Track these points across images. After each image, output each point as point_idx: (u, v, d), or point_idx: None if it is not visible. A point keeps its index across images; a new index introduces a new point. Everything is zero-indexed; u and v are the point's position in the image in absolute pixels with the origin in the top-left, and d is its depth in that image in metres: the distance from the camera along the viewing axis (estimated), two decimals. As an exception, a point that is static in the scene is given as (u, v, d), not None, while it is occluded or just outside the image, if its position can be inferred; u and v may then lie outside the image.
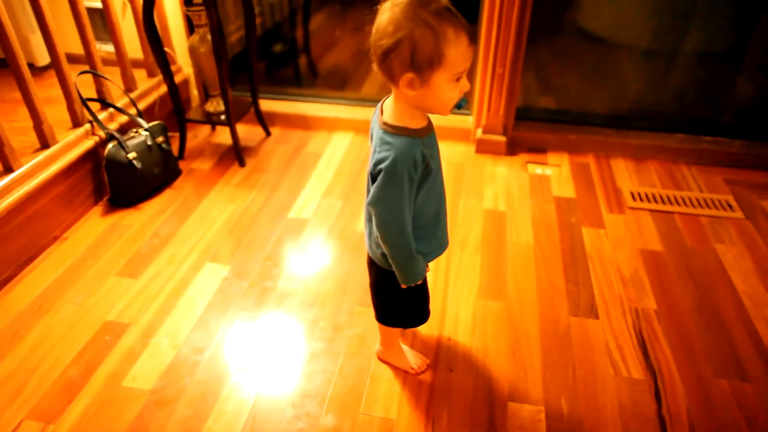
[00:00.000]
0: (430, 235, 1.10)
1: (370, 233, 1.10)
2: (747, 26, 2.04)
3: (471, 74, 2.18)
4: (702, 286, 1.57)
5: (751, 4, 2.00)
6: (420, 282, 1.10)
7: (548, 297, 1.53)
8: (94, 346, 1.39)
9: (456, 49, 0.87)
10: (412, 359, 1.32)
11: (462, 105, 0.96)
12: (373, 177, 0.98)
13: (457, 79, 0.91)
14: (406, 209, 0.99)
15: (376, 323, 1.41)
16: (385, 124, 0.97)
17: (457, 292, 1.54)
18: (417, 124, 0.97)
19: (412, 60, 0.87)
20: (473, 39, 0.89)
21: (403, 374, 1.31)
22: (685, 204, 1.90)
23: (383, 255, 1.07)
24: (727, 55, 2.12)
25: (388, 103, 0.99)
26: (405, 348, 1.34)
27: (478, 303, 1.51)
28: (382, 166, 0.94)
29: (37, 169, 1.65)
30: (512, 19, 1.91)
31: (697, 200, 1.92)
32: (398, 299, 1.18)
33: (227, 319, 1.47)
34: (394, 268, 1.07)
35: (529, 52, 2.03)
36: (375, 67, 0.93)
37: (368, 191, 1.01)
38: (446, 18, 0.86)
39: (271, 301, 1.53)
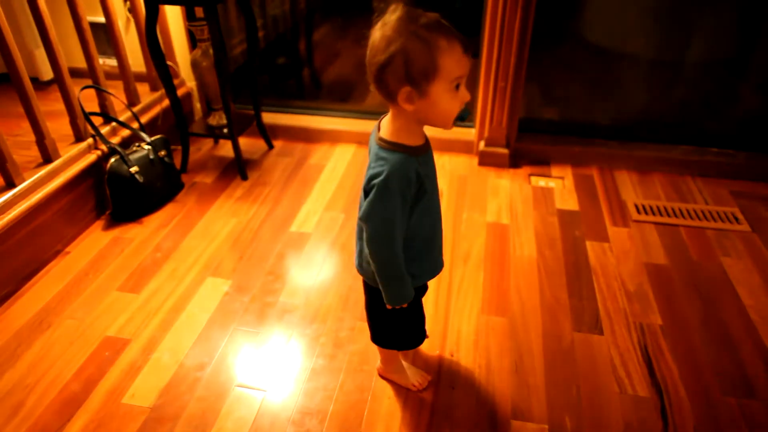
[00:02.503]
0: (424, 257, 1.08)
1: (361, 251, 1.08)
2: (751, 36, 2.03)
3: (473, 87, 2.18)
4: (708, 300, 1.55)
5: (756, 15, 1.99)
6: (405, 305, 1.07)
7: (552, 312, 1.51)
8: (94, 362, 1.38)
9: (450, 57, 0.87)
10: (414, 376, 1.30)
11: (465, 116, 0.95)
12: (366, 192, 0.97)
13: (456, 88, 0.90)
14: (398, 227, 0.97)
15: (376, 340, 1.40)
16: (381, 139, 0.97)
17: (460, 307, 1.53)
18: (414, 141, 0.96)
19: (406, 73, 0.87)
20: (468, 47, 0.89)
21: (405, 391, 1.30)
22: (691, 217, 1.88)
23: (374, 273, 1.06)
24: (731, 65, 2.11)
25: (386, 119, 0.99)
26: (406, 365, 1.33)
27: (480, 318, 1.49)
28: (376, 181, 0.94)
29: (39, 183, 1.65)
30: (514, 32, 1.91)
31: (703, 213, 1.90)
32: (391, 320, 1.17)
33: (228, 334, 1.46)
34: (380, 288, 1.05)
35: (531, 63, 2.02)
36: (372, 87, 0.93)
37: (361, 207, 1.00)
38: (437, 29, 0.87)
39: (273, 317, 1.51)
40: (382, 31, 0.88)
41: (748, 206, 1.94)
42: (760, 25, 2.00)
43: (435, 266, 1.13)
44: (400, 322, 1.18)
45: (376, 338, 1.24)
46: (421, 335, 1.23)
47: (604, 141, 2.22)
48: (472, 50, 0.91)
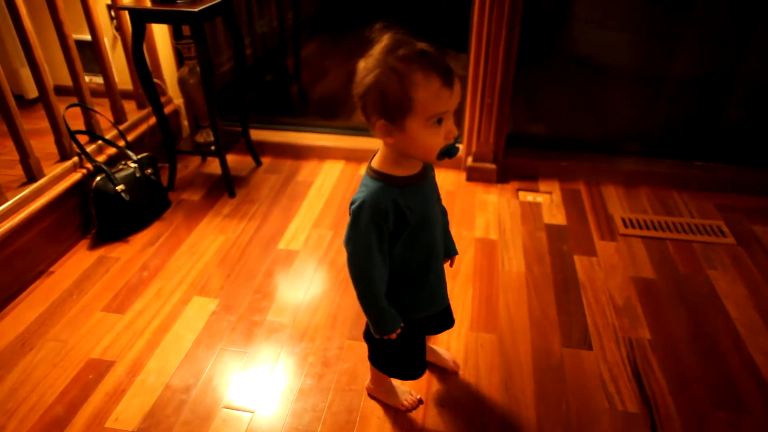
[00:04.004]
0: (417, 289, 1.06)
1: None
2: (734, 52, 2.07)
3: (461, 103, 2.19)
4: (696, 314, 1.56)
5: (739, 30, 2.02)
6: (393, 337, 1.05)
7: (541, 328, 1.51)
8: (78, 385, 1.35)
9: (425, 92, 0.84)
10: (403, 396, 1.29)
11: (453, 152, 0.90)
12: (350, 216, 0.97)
13: (438, 122, 0.86)
14: (374, 256, 0.96)
15: (365, 357, 1.39)
16: (369, 166, 0.96)
17: (449, 323, 1.52)
18: (401, 171, 0.94)
19: (382, 107, 0.86)
20: (450, 81, 0.85)
21: (394, 411, 1.28)
22: (677, 230, 1.90)
23: None
24: (715, 80, 2.14)
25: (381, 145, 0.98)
26: (396, 384, 1.31)
27: (469, 335, 1.48)
28: (352, 208, 0.94)
29: (23, 203, 1.63)
30: (500, 49, 1.93)
31: (689, 226, 1.92)
32: (386, 348, 1.15)
33: (215, 354, 1.44)
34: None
35: (518, 78, 2.04)
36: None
37: None
38: (416, 61, 0.84)
39: (260, 336, 1.50)
40: (365, 62, 0.88)
41: (732, 219, 1.95)
42: (743, 41, 2.04)
43: (433, 300, 1.10)
44: (395, 353, 1.16)
45: (373, 360, 1.22)
46: (419, 370, 1.20)
47: (590, 155, 2.24)
48: (455, 82, 0.85)
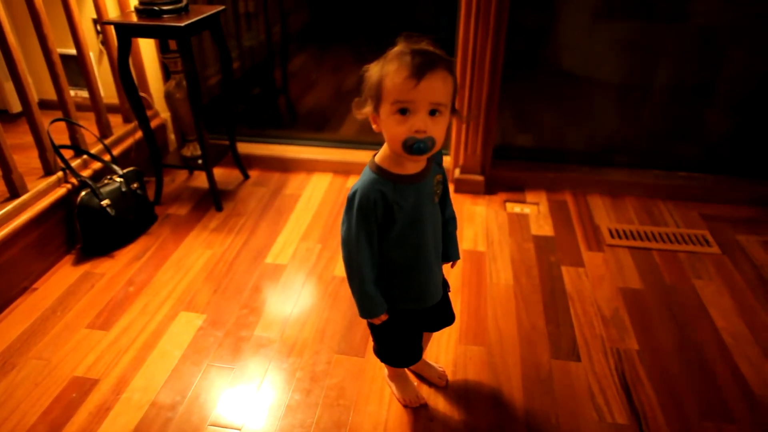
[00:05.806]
0: (404, 285, 1.10)
1: None
2: (717, 63, 2.10)
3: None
4: (683, 324, 1.56)
5: (720, 42, 2.06)
6: (376, 321, 1.10)
7: (529, 340, 1.51)
8: (61, 404, 1.33)
9: (391, 80, 0.90)
10: (411, 392, 1.31)
11: (422, 147, 0.91)
12: None
13: (402, 112, 0.91)
14: (361, 243, 1.01)
15: (354, 372, 1.39)
16: (371, 159, 1.02)
17: (437, 336, 1.51)
18: (396, 169, 0.99)
19: (366, 92, 0.95)
20: (419, 74, 0.88)
21: (383, 426, 1.27)
22: (663, 240, 1.91)
23: None
24: (698, 91, 2.17)
25: None
26: (410, 378, 1.34)
27: (458, 348, 1.48)
28: (349, 194, 1.00)
29: (5, 219, 1.61)
30: (485, 62, 1.94)
31: (674, 236, 1.93)
32: (380, 336, 1.20)
33: (201, 371, 1.42)
34: None
35: (505, 90, 2.06)
36: None
37: None
38: (401, 56, 0.90)
39: (247, 351, 1.48)
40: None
41: (717, 228, 1.97)
42: (725, 52, 2.07)
43: (420, 297, 1.14)
44: (387, 341, 1.21)
45: (375, 349, 1.26)
46: (410, 359, 1.25)
47: (577, 166, 2.26)
48: (426, 78, 0.88)
